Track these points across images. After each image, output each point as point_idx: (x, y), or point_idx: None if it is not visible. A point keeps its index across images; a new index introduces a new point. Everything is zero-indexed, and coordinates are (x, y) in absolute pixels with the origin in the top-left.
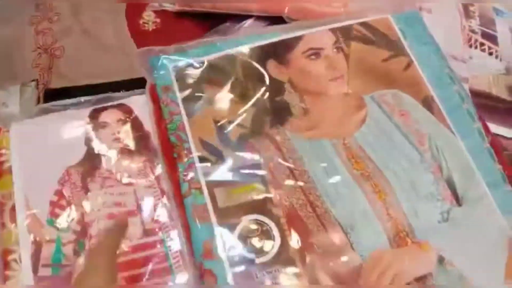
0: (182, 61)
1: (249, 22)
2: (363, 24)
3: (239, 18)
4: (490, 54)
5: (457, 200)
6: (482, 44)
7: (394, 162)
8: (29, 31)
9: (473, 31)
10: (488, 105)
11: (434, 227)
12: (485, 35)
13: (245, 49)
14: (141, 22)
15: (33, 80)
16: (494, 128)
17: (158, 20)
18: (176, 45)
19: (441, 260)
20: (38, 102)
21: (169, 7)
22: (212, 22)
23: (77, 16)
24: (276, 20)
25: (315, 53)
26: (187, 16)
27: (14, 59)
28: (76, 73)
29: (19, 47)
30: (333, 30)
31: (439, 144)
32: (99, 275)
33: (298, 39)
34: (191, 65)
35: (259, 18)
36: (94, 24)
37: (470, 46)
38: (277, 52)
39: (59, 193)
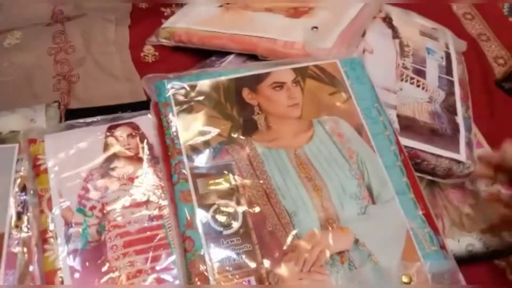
0: (179, 84)
1: (230, 57)
2: (316, 66)
3: (223, 53)
4: (418, 86)
5: (373, 200)
6: (412, 78)
7: (330, 169)
8: (49, 60)
9: (405, 68)
10: (413, 126)
11: (354, 217)
12: (415, 71)
13: (226, 78)
14: (142, 55)
15: (55, 101)
16: (417, 144)
17: (157, 53)
18: (175, 73)
19: (356, 241)
20: (61, 119)
21: (165, 42)
22: (200, 56)
23: (89, 48)
24: (252, 57)
25: (279, 85)
26: (180, 50)
27: (37, 84)
28: (90, 96)
29: (41, 73)
30: (294, 69)
31: (363, 159)
32: None
33: (266, 74)
34: (185, 88)
35: (238, 55)
36: (103, 55)
37: (402, 80)
38: (250, 82)
39: (85, 189)
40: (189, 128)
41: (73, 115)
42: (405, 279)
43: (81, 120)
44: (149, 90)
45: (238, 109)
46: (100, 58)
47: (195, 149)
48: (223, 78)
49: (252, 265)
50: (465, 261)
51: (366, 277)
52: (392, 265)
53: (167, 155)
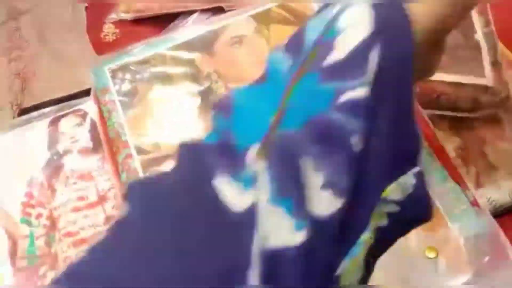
0: (118, 64)
1: (194, 17)
2: (281, 6)
3: (186, 15)
4: None
5: None
6: None
7: None
8: (3, 61)
9: None
10: None
11: None
12: None
13: (173, 46)
14: (102, 35)
15: (8, 103)
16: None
17: (117, 30)
18: (113, 53)
19: None
20: None
21: (124, 16)
22: (163, 24)
23: (44, 40)
24: (218, 11)
25: (238, 40)
26: (142, 22)
27: None
28: (47, 90)
29: None
30: (253, 16)
31: None
32: None
33: (222, 29)
34: (125, 66)
35: (203, 11)
36: (59, 44)
37: None
38: (202, 44)
39: (29, 195)
40: (135, 115)
41: (27, 114)
42: (430, 253)
43: (22, 118)
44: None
45: (191, 80)
46: (57, 47)
47: (144, 138)
48: (169, 45)
49: None
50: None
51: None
52: (410, 237)
53: (112, 151)
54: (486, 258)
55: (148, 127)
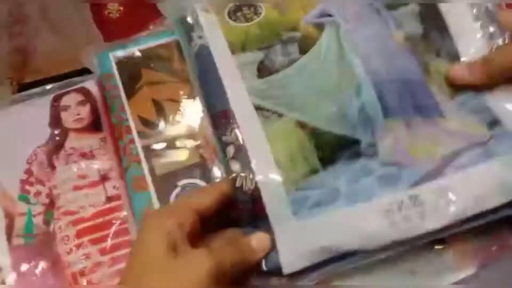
0: (122, 50)
1: None
2: None
3: None
4: None
5: None
6: None
7: None
8: (4, 36)
9: None
10: None
11: None
12: None
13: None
14: (106, 12)
15: (8, 78)
16: None
17: (121, 8)
18: (119, 40)
19: None
20: None
21: None
22: None
23: (45, 16)
24: None
25: None
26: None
27: None
28: (48, 67)
29: None
30: None
31: None
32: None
33: None
34: (130, 54)
35: None
36: (61, 21)
37: None
38: None
39: (28, 172)
40: (139, 100)
41: (26, 89)
42: (437, 244)
43: (26, 93)
44: (90, 65)
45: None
46: (59, 24)
47: (147, 123)
48: (174, 37)
49: None
50: None
51: None
52: None
53: (114, 136)
54: (493, 249)
55: (151, 113)
